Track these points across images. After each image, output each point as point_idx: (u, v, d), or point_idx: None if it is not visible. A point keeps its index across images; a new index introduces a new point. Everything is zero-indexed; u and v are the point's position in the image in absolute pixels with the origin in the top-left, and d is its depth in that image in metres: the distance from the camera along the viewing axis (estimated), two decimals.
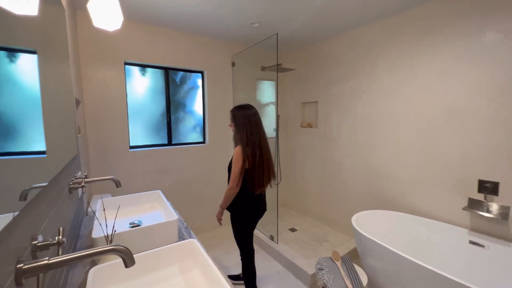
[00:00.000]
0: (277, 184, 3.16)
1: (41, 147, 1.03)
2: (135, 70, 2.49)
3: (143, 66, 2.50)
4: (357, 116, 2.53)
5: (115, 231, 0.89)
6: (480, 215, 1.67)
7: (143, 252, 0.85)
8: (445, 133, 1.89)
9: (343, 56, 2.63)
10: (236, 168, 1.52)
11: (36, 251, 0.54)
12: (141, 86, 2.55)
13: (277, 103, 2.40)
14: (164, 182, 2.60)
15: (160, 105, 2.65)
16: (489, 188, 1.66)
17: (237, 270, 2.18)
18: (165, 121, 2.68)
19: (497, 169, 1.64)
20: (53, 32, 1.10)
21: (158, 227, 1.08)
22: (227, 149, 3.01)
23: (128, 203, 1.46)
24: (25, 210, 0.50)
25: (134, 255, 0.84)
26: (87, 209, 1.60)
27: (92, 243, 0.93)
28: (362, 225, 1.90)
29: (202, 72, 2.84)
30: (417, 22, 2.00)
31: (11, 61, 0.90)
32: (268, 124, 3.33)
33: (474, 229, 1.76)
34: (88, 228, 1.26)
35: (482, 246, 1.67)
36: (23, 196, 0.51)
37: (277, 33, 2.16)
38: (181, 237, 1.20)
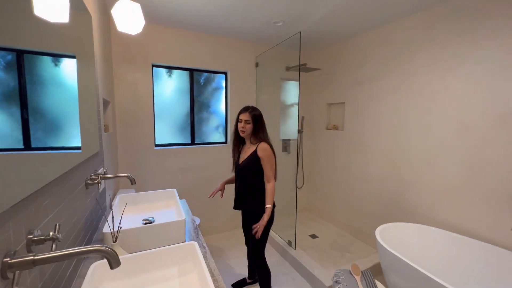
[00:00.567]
0: (299, 188, 3.06)
1: (77, 143, 1.13)
2: (163, 71, 2.60)
3: (169, 68, 2.60)
4: (387, 118, 2.33)
5: (120, 227, 0.92)
6: None
7: (144, 252, 0.87)
8: (495, 140, 1.64)
9: (372, 54, 2.45)
10: (273, 162, 1.61)
11: (31, 245, 0.56)
12: (168, 87, 2.66)
13: (299, 104, 2.31)
14: (186, 180, 2.68)
15: (185, 106, 2.74)
16: None
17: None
18: (189, 121, 2.76)
19: None
20: (84, 38, 1.19)
21: (165, 226, 1.10)
22: None
23: (145, 199, 1.52)
24: (19, 205, 0.53)
25: (135, 254, 0.86)
26: (110, 203, 1.70)
27: (103, 237, 0.98)
28: (388, 238, 1.74)
29: (225, 73, 2.87)
30: (466, 9, 1.77)
31: (56, 65, 1.00)
32: (292, 125, 3.26)
33: None
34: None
35: None
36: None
37: (299, 32, 2.08)
38: (189, 238, 1.20)
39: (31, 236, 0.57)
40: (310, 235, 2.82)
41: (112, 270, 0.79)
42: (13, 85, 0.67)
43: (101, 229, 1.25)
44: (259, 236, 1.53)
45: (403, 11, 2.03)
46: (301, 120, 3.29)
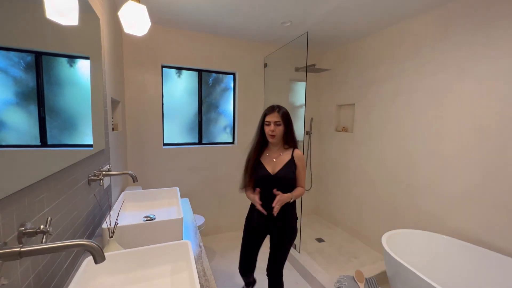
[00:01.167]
0: (307, 190, 3.02)
1: (89, 140, 1.18)
2: (172, 72, 2.66)
3: (178, 69, 2.65)
4: (398, 120, 2.25)
5: (117, 223, 0.94)
6: None
7: (138, 248, 0.88)
8: (509, 145, 1.53)
9: (383, 55, 2.37)
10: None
11: (22, 238, 0.58)
12: (177, 87, 2.71)
13: (305, 105, 2.28)
14: (192, 180, 2.71)
15: (193, 106, 2.78)
16: None
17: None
18: (197, 121, 2.79)
19: None
20: (94, 39, 1.24)
21: (163, 224, 1.11)
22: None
23: (149, 197, 1.55)
24: (10, 198, 0.55)
25: (128, 250, 0.87)
26: (116, 199, 1.75)
27: (102, 232, 1.00)
28: (395, 245, 1.67)
29: (234, 74, 2.88)
30: (474, 13, 1.67)
31: (71, 66, 1.05)
32: (300, 126, 3.21)
33: None
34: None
35: None
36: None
37: (307, 32, 2.05)
38: (188, 236, 1.21)
39: (23, 228, 0.59)
40: (316, 239, 2.77)
41: (106, 265, 0.81)
42: (32, 85, 0.71)
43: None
44: (276, 211, 1.28)
45: (414, 10, 1.96)
46: (310, 121, 3.25)
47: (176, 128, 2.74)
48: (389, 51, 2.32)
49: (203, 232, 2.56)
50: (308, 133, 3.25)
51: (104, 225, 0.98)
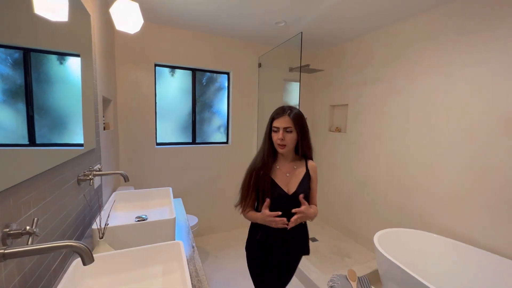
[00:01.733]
0: None
1: (80, 139, 1.16)
2: (166, 71, 2.63)
3: (171, 68, 2.62)
4: (390, 121, 2.28)
5: (107, 224, 0.93)
6: None
7: (129, 249, 0.86)
8: (499, 146, 1.57)
9: (375, 55, 2.40)
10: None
11: (7, 239, 0.57)
12: (170, 87, 2.68)
13: (299, 106, 2.29)
14: (186, 179, 2.69)
15: (187, 105, 2.76)
16: None
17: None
18: (190, 121, 2.77)
19: None
20: (84, 36, 1.22)
21: (155, 224, 1.10)
22: (249, 150, 2.99)
23: (141, 197, 1.52)
24: None
25: (119, 251, 0.85)
26: (107, 199, 1.72)
27: (92, 233, 0.98)
28: (387, 244, 1.69)
29: (228, 73, 2.87)
30: (462, 16, 1.71)
31: (61, 63, 1.03)
32: None
33: None
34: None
35: None
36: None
37: (301, 32, 2.06)
38: (180, 237, 1.20)
39: (8, 229, 0.57)
40: (310, 239, 2.77)
41: (95, 267, 0.79)
42: (20, 82, 0.69)
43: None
44: (291, 226, 1.02)
45: (406, 12, 1.99)
46: None
47: (170, 128, 2.71)
48: (380, 53, 2.35)
49: (197, 232, 2.54)
50: None
51: (94, 226, 0.96)
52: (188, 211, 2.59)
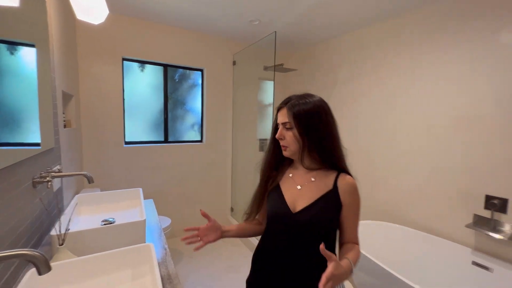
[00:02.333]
0: None
1: (36, 138, 1.04)
2: (135, 65, 2.49)
3: (141, 62, 2.50)
4: (359, 120, 2.40)
5: (68, 229, 0.85)
6: (486, 234, 1.51)
7: (93, 255, 0.81)
8: (453, 143, 1.74)
9: (345, 58, 2.51)
10: (359, 216, 0.81)
11: None
12: (140, 82, 2.55)
13: (273, 104, 2.32)
14: (158, 180, 2.58)
15: (158, 102, 2.65)
16: (496, 205, 1.50)
17: (222, 274, 2.12)
18: (162, 119, 2.67)
19: (508, 184, 1.48)
20: (39, 24, 1.10)
21: (124, 227, 1.04)
22: (225, 149, 2.96)
23: (108, 199, 1.43)
24: None
25: (82, 257, 0.79)
26: (69, 203, 1.59)
27: (51, 240, 0.90)
28: None
29: (202, 70, 2.81)
30: (424, 23, 1.86)
31: (12, 53, 0.91)
32: (268, 125, 3.26)
33: (478, 249, 1.60)
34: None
35: (487, 268, 1.51)
36: None
37: (275, 32, 2.09)
38: (151, 239, 1.15)
39: None
40: None
41: (54, 276, 0.73)
42: None
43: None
44: None
45: (375, 17, 2.10)
46: None
47: (140, 126, 2.58)
48: (350, 55, 2.47)
49: (170, 234, 2.46)
50: None
51: (53, 232, 0.88)
52: (160, 212, 2.50)
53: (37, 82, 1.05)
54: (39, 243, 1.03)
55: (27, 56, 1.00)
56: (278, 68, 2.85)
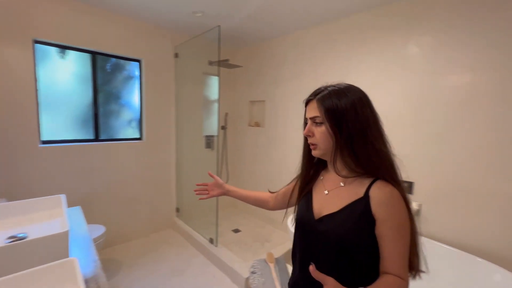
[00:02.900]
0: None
1: None
2: (51, 50, 2.10)
3: (61, 47, 2.13)
4: (300, 116, 2.56)
5: None
6: None
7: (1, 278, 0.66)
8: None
9: (288, 57, 2.65)
10: (407, 237, 0.61)
11: None
12: (62, 71, 2.17)
13: (219, 100, 2.28)
14: (88, 184, 2.26)
15: (86, 95, 2.30)
16: (406, 187, 1.81)
17: (166, 278, 2.01)
18: (92, 114, 2.34)
19: (414, 170, 1.80)
20: None
21: (39, 243, 0.87)
22: (168, 147, 2.79)
23: (17, 211, 1.18)
24: None
25: None
26: None
27: None
28: None
29: (139, 61, 2.56)
30: (351, 31, 2.10)
31: None
32: (214, 121, 3.21)
33: None
34: None
35: None
36: None
37: (219, 26, 2.04)
38: (77, 253, 1.00)
39: None
40: (233, 230, 2.86)
41: None
42: None
43: None
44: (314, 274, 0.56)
45: (313, 21, 2.26)
46: (225, 116, 3.29)
47: (62, 122, 2.21)
48: (292, 54, 2.61)
49: (105, 243, 2.19)
50: (223, 127, 3.28)
51: None
52: (91, 221, 2.20)
53: None
54: None
55: None
56: (223, 63, 2.82)
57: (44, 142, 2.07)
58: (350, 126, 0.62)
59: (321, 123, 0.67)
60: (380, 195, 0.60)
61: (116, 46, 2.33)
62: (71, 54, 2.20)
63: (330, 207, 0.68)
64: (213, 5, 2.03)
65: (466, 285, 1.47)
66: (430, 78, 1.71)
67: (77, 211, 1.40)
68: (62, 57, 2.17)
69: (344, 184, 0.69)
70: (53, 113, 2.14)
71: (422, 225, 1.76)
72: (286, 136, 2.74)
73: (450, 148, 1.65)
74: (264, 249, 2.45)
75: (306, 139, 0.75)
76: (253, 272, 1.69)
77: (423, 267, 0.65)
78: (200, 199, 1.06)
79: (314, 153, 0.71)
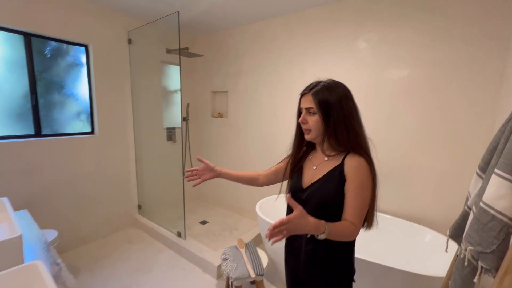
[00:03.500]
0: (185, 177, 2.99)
1: None
2: None
3: None
4: (262, 108, 2.64)
5: None
6: None
7: None
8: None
9: (249, 47, 2.67)
10: (366, 196, 0.79)
11: None
12: None
13: (181, 91, 2.20)
14: (31, 186, 2.00)
15: (21, 84, 1.99)
16: None
17: (133, 277, 1.94)
18: (29, 106, 2.04)
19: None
20: None
21: None
22: (124, 141, 2.60)
23: None
24: None
25: None
26: None
27: None
28: (266, 210, 2.01)
29: (86, 46, 2.30)
30: (308, 23, 2.21)
31: None
32: (175, 113, 3.09)
33: None
34: None
35: None
36: None
37: (178, 12, 1.95)
38: (35, 258, 0.91)
39: None
40: (200, 222, 2.85)
41: None
42: None
43: None
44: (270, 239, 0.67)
45: (273, 12, 2.31)
46: (187, 107, 3.18)
47: None
48: (253, 45, 2.63)
49: (59, 248, 1.98)
50: (185, 119, 3.17)
51: None
52: (41, 225, 1.95)
53: None
54: None
55: None
56: (183, 52, 2.70)
57: None
58: (335, 116, 0.80)
59: (314, 113, 0.83)
60: (351, 161, 0.80)
61: (57, 27, 2.04)
62: None
63: (316, 177, 0.87)
64: None
65: (405, 245, 1.76)
66: (376, 71, 1.93)
67: (25, 214, 1.25)
68: None
69: (328, 159, 0.88)
70: None
71: None
72: (249, 127, 2.79)
73: (393, 133, 1.90)
74: (233, 237, 2.51)
75: (298, 125, 0.94)
76: (224, 259, 1.75)
77: (375, 224, 0.87)
78: (194, 185, 1.07)
79: (307, 137, 0.88)
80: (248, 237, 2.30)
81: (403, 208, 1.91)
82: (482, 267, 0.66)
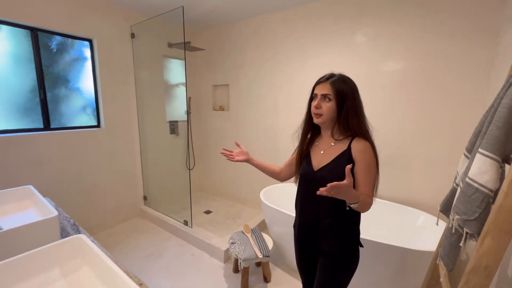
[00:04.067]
0: (190, 169, 3.08)
1: None
2: None
3: None
4: (263, 101, 2.72)
5: None
6: None
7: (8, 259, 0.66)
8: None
9: (250, 41, 2.73)
10: (374, 173, 0.94)
11: None
12: None
13: (186, 84, 2.27)
14: (41, 178, 2.06)
15: (29, 78, 2.03)
16: None
17: (144, 263, 2.04)
18: (38, 100, 2.09)
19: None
20: None
21: (26, 230, 0.85)
22: (129, 134, 2.67)
23: None
24: None
25: None
26: None
27: None
28: (269, 198, 2.12)
29: (90, 40, 2.33)
30: (309, 17, 2.28)
31: None
32: (178, 106, 3.15)
33: None
34: None
35: None
36: None
37: (182, 6, 2.00)
38: (66, 237, 1.00)
39: None
40: (204, 212, 2.95)
41: None
42: None
43: None
44: (323, 193, 0.77)
45: (274, 6, 2.37)
46: (188, 100, 3.24)
47: None
48: (254, 40, 2.69)
49: None
50: (188, 112, 3.23)
51: None
52: None
53: None
54: None
55: None
56: (185, 46, 2.74)
57: None
58: (349, 105, 0.93)
59: (330, 100, 0.94)
60: (358, 145, 0.94)
61: (63, 22, 2.08)
62: (3, 29, 1.89)
63: (325, 161, 1.00)
64: None
65: (399, 227, 1.89)
66: (373, 64, 2.02)
67: (49, 201, 1.32)
68: None
69: (334, 144, 1.00)
70: None
71: None
72: (250, 120, 2.87)
73: (389, 122, 2.01)
74: (237, 224, 2.62)
75: (308, 112, 1.05)
76: (232, 243, 1.86)
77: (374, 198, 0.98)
78: (228, 159, 1.24)
79: (317, 120, 0.99)
80: (252, 224, 2.41)
81: (398, 193, 2.03)
82: (467, 233, 0.77)
